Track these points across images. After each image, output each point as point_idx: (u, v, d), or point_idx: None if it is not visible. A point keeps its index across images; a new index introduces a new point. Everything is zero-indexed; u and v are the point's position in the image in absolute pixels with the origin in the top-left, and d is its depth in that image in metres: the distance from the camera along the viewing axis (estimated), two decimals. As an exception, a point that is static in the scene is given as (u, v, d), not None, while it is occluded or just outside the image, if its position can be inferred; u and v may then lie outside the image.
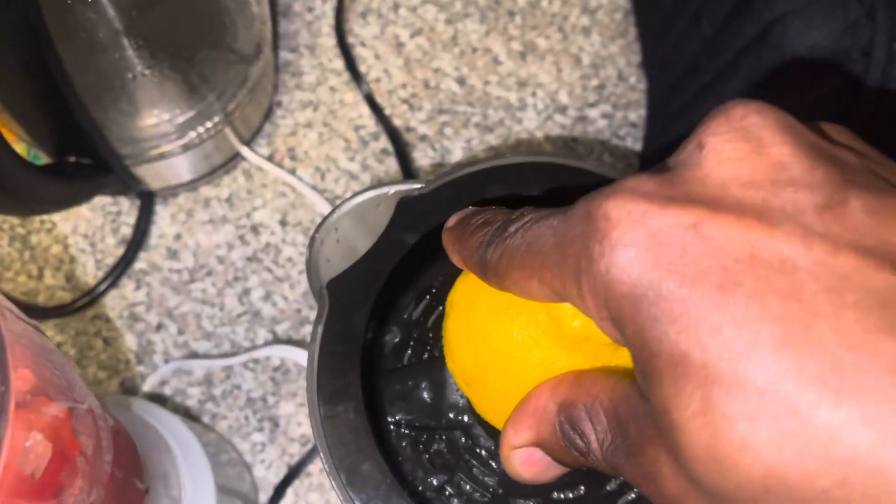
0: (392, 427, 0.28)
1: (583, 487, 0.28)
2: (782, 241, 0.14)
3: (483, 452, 0.28)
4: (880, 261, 0.14)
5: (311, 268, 0.27)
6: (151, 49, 0.35)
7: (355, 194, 0.28)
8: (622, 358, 0.20)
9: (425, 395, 0.28)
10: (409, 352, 0.29)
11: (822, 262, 0.14)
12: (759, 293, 0.14)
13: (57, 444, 0.18)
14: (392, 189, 0.28)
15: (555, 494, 0.28)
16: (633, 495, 0.27)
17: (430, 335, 0.30)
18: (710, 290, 0.14)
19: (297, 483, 0.42)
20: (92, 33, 0.34)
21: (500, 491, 0.28)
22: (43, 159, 0.41)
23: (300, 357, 0.43)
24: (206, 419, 0.43)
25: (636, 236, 0.15)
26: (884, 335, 0.13)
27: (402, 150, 0.48)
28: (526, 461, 0.21)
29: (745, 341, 0.14)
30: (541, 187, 0.28)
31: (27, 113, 0.37)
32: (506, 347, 0.21)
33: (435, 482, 0.28)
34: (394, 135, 0.49)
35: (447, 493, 0.28)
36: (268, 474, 0.42)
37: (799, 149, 0.16)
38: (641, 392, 0.17)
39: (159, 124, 0.40)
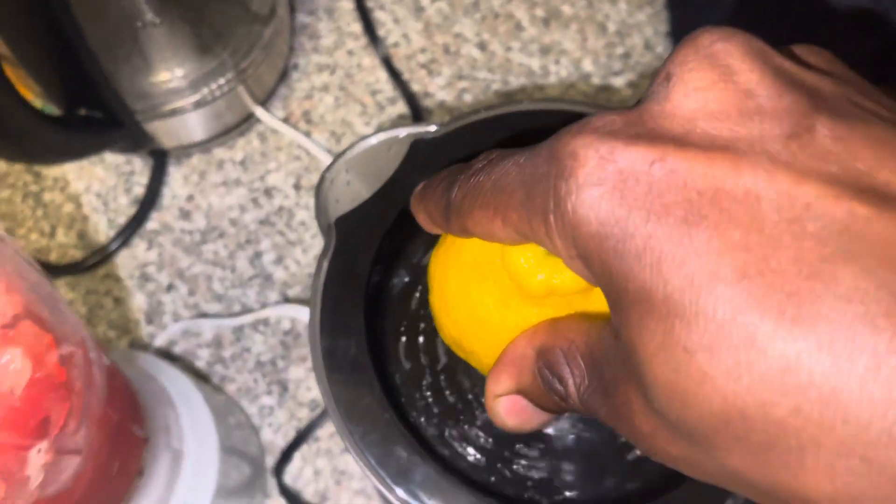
0: (394, 370, 0.27)
1: (587, 434, 0.27)
2: (747, 172, 0.14)
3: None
4: (843, 188, 0.14)
5: (320, 205, 0.27)
6: (162, -4, 0.35)
7: (366, 136, 0.27)
8: (594, 303, 0.20)
9: (431, 340, 0.27)
10: (417, 295, 0.28)
11: (786, 192, 0.14)
12: (722, 226, 0.14)
13: (39, 367, 0.18)
14: (404, 131, 0.27)
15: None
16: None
17: None
18: (674, 225, 0.14)
19: (304, 448, 0.41)
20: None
21: (503, 436, 0.27)
22: (57, 113, 0.41)
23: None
24: (214, 381, 0.43)
25: (603, 175, 0.15)
26: (841, 263, 0.13)
27: (419, 115, 0.47)
28: (510, 409, 0.20)
29: (706, 274, 0.14)
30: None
31: (36, 62, 0.36)
32: (481, 316, 0.21)
33: (436, 421, 0.27)
34: (411, 100, 0.48)
35: (447, 433, 0.27)
36: (276, 438, 0.42)
37: (766, 75, 0.15)
38: (615, 331, 0.16)
39: (171, 79, 0.39)
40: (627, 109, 0.16)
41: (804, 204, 0.14)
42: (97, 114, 0.38)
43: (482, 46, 0.49)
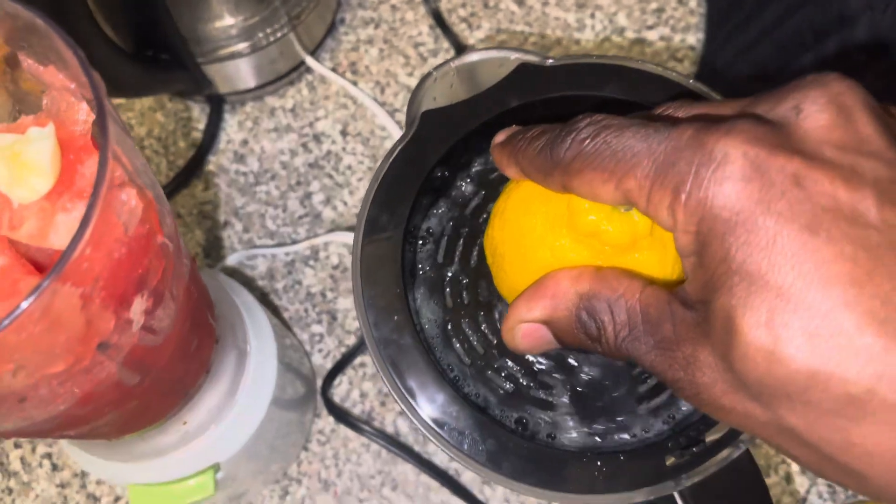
0: (423, 266, 0.29)
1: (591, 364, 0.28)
2: (860, 201, 0.18)
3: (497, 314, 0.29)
4: None
5: (415, 97, 0.28)
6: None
7: (481, 49, 0.29)
8: (622, 262, 0.23)
9: (468, 249, 0.29)
10: (477, 201, 0.30)
11: (890, 223, 0.18)
12: (837, 239, 0.18)
13: (145, 219, 0.20)
14: (516, 55, 0.29)
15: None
16: None
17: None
18: (798, 230, 0.18)
19: (350, 372, 0.44)
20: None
21: (495, 352, 0.29)
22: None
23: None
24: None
25: (747, 174, 0.18)
26: None
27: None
28: (529, 335, 0.23)
29: (818, 275, 0.17)
30: (655, 100, 0.28)
31: (110, 5, 0.39)
32: (527, 226, 0.24)
33: (450, 314, 0.28)
34: (459, 48, 0.50)
35: (449, 327, 0.29)
36: (325, 363, 0.44)
37: (879, 129, 0.19)
38: (685, 301, 0.20)
39: (229, 25, 0.42)
40: (762, 121, 0.19)
41: None
42: (163, 55, 0.41)
43: (520, 1, 0.51)
